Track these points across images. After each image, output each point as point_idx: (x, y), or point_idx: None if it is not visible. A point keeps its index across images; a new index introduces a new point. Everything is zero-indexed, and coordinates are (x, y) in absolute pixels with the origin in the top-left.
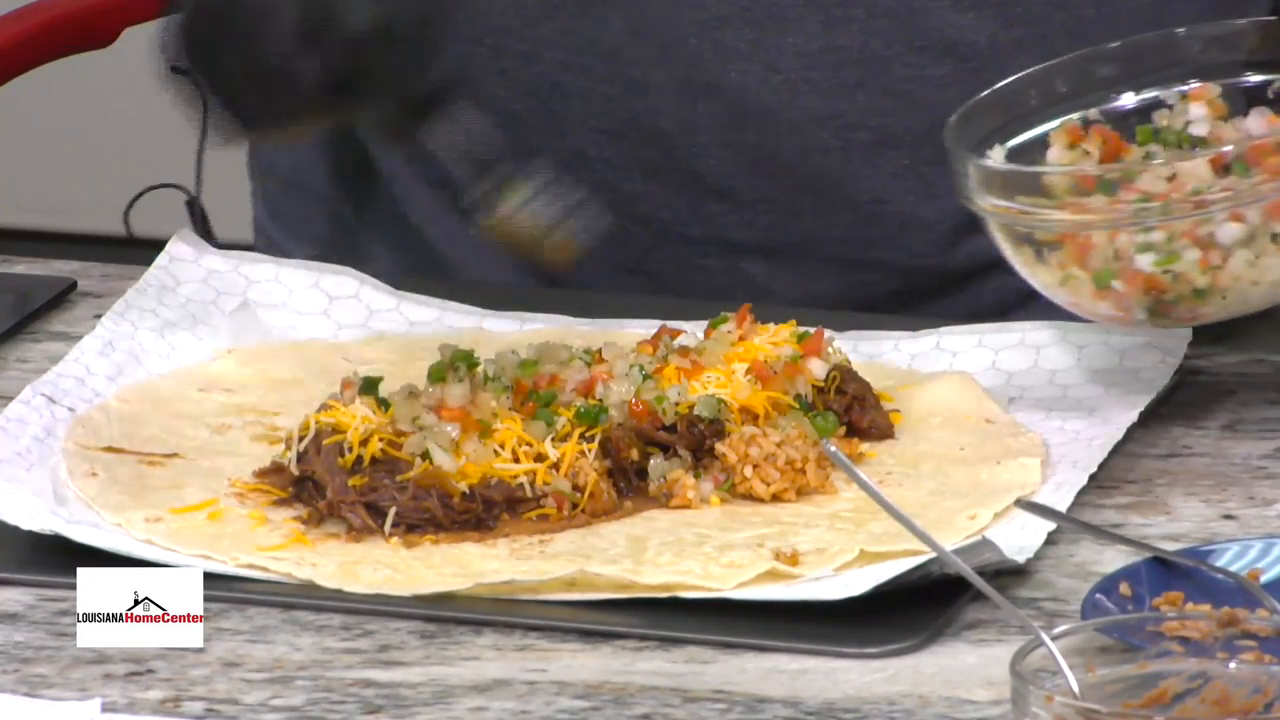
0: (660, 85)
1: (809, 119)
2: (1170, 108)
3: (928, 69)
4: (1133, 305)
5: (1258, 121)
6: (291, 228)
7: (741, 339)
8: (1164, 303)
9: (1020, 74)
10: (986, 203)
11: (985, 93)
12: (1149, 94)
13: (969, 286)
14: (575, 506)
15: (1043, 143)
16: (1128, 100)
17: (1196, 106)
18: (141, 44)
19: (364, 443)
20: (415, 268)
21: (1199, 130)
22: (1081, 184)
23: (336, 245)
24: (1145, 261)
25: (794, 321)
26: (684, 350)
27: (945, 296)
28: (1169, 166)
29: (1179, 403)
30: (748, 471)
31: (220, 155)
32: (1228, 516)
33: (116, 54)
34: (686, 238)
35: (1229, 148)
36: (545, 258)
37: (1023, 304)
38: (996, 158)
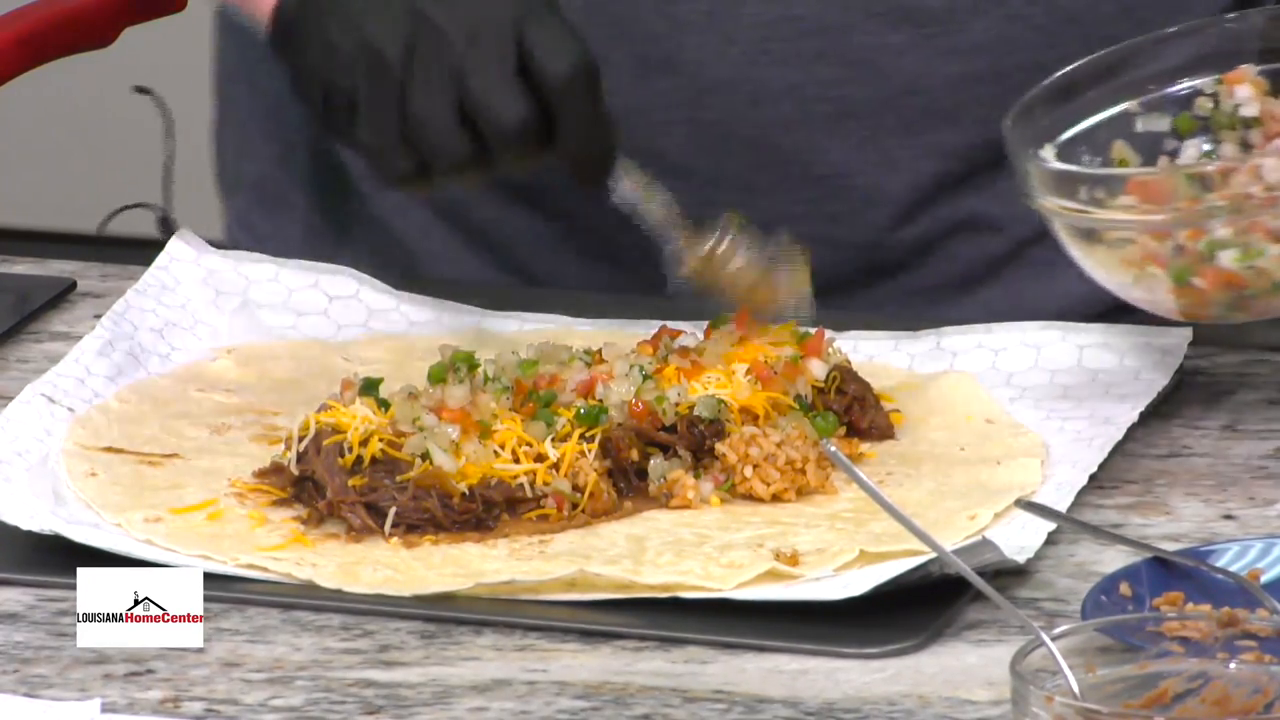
0: (617, 63)
1: (768, 92)
2: (1212, 95)
3: (886, 36)
4: (1212, 301)
5: None
6: (262, 240)
7: (743, 339)
8: (1244, 298)
9: (1069, 68)
10: (1051, 202)
11: (1036, 89)
12: (1185, 84)
13: (931, 259)
14: (575, 507)
15: (1096, 136)
16: (1170, 88)
17: (1241, 89)
18: (141, 42)
19: (364, 443)
20: (389, 268)
21: (1249, 111)
22: (1163, 186)
23: (309, 254)
24: (1227, 258)
25: (794, 322)
26: (684, 351)
27: (910, 269)
28: (1245, 160)
29: (1179, 403)
30: (748, 472)
31: (191, 169)
32: (1228, 516)
33: (117, 53)
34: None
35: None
36: (750, 301)
37: (990, 275)
38: (1049, 155)
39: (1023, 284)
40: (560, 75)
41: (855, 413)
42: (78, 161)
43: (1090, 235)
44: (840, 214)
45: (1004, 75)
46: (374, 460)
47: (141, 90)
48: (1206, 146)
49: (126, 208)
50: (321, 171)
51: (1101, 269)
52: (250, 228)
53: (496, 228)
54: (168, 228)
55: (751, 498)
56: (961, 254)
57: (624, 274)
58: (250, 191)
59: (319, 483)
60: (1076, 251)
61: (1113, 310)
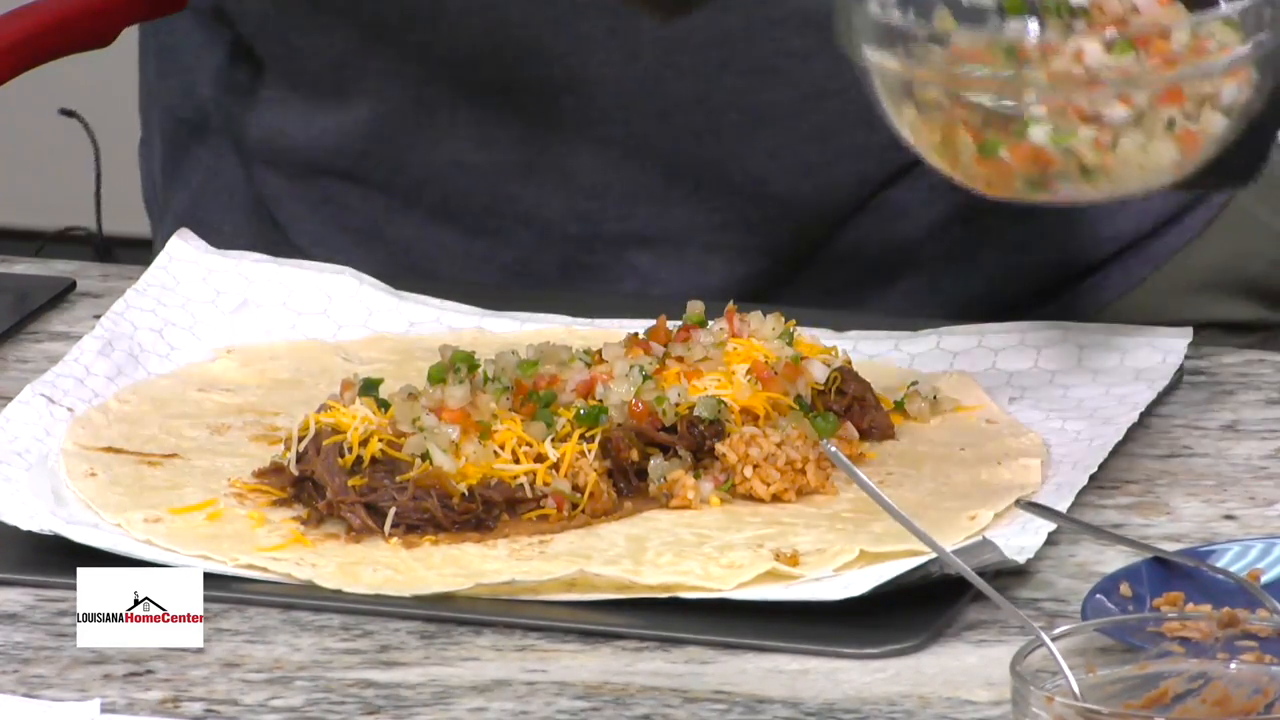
0: (522, 84)
1: (675, 104)
2: None
3: (790, 41)
4: (1015, 177)
5: (1148, 1)
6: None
7: (734, 336)
8: (1049, 178)
9: None
10: (873, 55)
11: None
12: None
13: (853, 263)
14: (575, 507)
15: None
16: None
17: None
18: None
19: (364, 443)
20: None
21: (1079, 1)
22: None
23: None
24: (1040, 134)
25: (794, 322)
26: (681, 358)
27: (831, 265)
28: (1068, 40)
29: (1179, 403)
30: (748, 472)
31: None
32: (1228, 517)
33: (117, 53)
34: (567, 235)
35: (1112, 32)
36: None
37: (908, 264)
38: (875, 7)
39: (943, 270)
40: None
41: (855, 413)
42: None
43: (905, 94)
44: (759, 223)
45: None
46: (374, 460)
47: (67, 113)
48: (1033, 29)
49: (59, 234)
50: (247, 201)
51: (911, 131)
52: None
53: (418, 246)
54: (105, 252)
55: (751, 498)
56: (884, 260)
57: (545, 285)
58: (177, 221)
59: (319, 483)
60: (890, 110)
61: (1032, 297)
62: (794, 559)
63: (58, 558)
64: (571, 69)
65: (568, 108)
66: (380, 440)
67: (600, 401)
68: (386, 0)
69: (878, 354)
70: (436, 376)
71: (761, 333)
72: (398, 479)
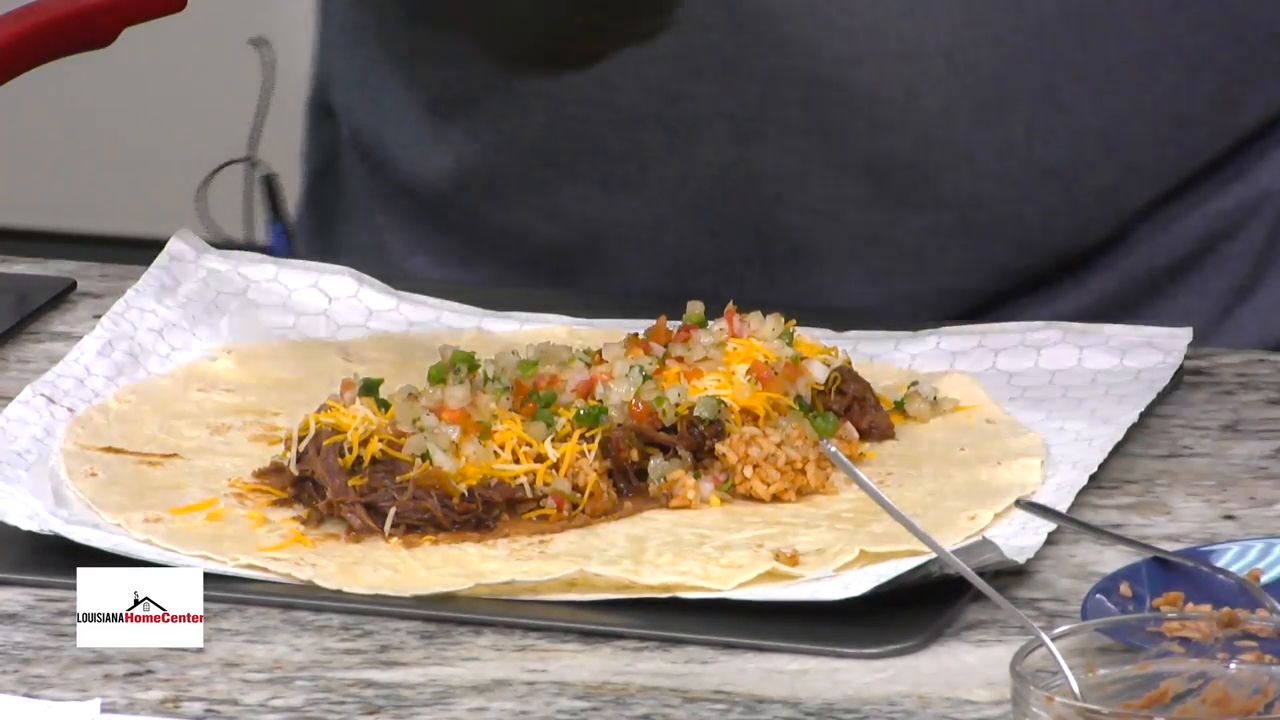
0: (583, 174)
1: (729, 229)
2: None
3: (845, 187)
4: None
5: None
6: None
7: (734, 336)
8: None
9: None
10: None
11: None
12: None
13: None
14: (575, 507)
15: None
16: None
17: None
18: (141, 42)
19: (364, 443)
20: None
21: None
22: None
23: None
24: None
25: (794, 322)
26: (681, 358)
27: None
28: None
29: (1179, 403)
30: (748, 472)
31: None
32: (1228, 517)
33: (116, 54)
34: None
35: None
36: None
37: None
38: None
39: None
40: None
41: (855, 413)
42: (107, 147)
43: None
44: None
45: (973, 227)
46: (374, 460)
47: (258, 42)
48: None
49: (226, 164)
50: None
51: None
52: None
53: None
54: (269, 186)
55: (751, 498)
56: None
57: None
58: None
59: (319, 483)
60: None
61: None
62: (794, 559)
63: (58, 558)
64: (627, 172)
65: (624, 208)
66: (380, 440)
67: (600, 401)
68: None
69: (878, 354)
70: (436, 377)
71: (761, 333)
72: (398, 479)
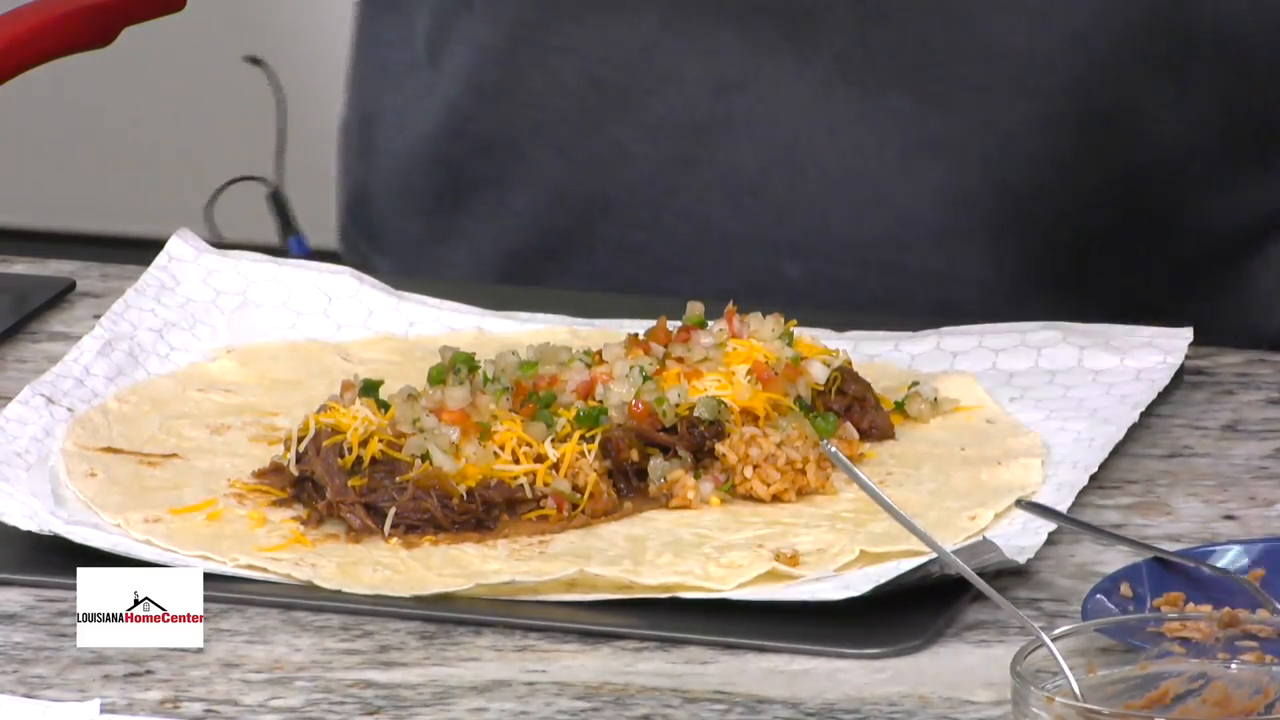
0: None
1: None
2: None
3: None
4: None
5: None
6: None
7: (734, 337)
8: None
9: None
10: None
11: None
12: None
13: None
14: (575, 507)
15: None
16: None
17: None
18: (144, 43)
19: (364, 443)
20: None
21: None
22: None
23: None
24: None
25: (794, 322)
26: (681, 359)
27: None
28: None
29: (1179, 403)
30: (748, 472)
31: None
32: (1228, 517)
33: (116, 53)
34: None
35: None
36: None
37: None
38: None
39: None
40: None
41: (855, 413)
42: (107, 148)
43: None
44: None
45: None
46: (374, 461)
47: (253, 60)
48: None
49: (236, 180)
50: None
51: None
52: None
53: (575, 233)
54: (279, 202)
55: (751, 498)
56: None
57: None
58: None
59: (319, 483)
60: None
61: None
62: (794, 559)
63: (58, 558)
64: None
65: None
66: (380, 441)
67: (600, 402)
68: None
69: (878, 354)
70: (436, 377)
71: (761, 333)
72: (398, 479)
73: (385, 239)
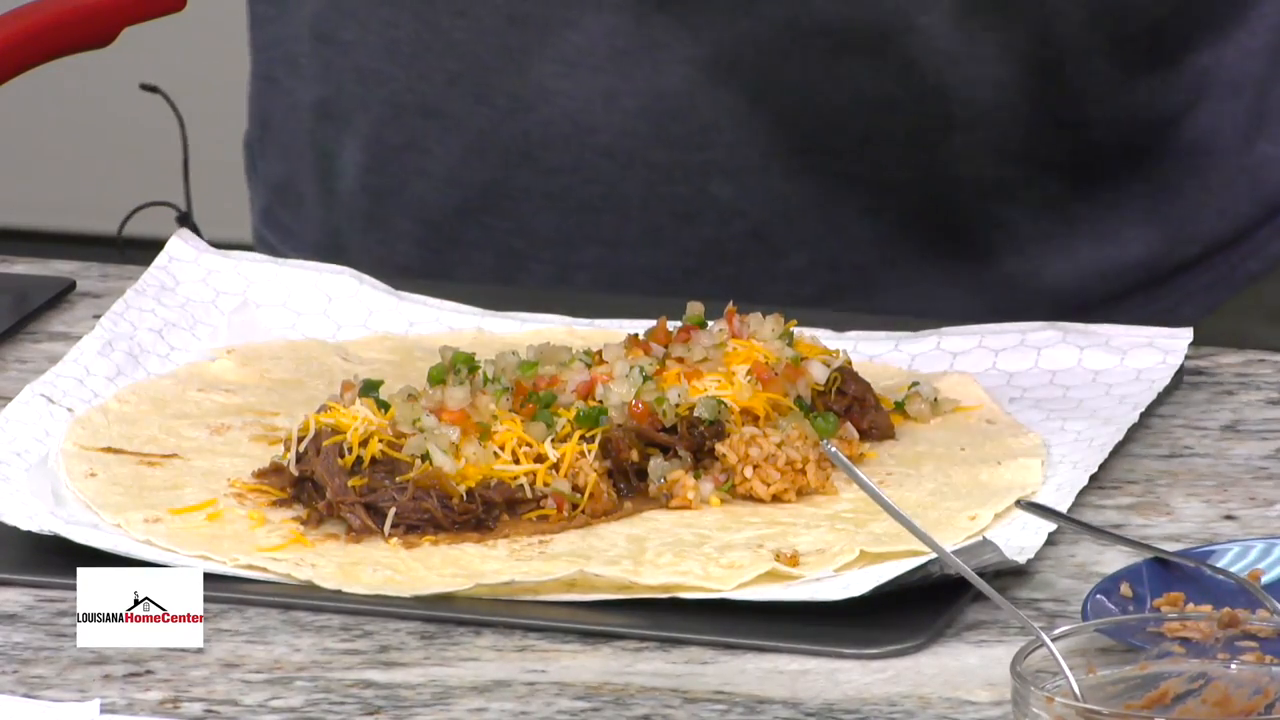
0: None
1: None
2: None
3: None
4: None
5: None
6: (287, 234)
7: (734, 337)
8: None
9: None
10: None
11: None
12: None
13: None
14: (575, 507)
15: None
16: None
17: None
18: (142, 44)
19: (364, 443)
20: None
21: None
22: None
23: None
24: None
25: (794, 322)
26: (681, 359)
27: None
28: None
29: (1179, 403)
30: (748, 472)
31: (207, 167)
32: (1229, 517)
33: (117, 53)
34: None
35: None
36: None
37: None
38: None
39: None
40: None
41: (855, 413)
42: (90, 161)
43: None
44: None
45: None
46: (374, 461)
47: (149, 88)
48: None
49: (145, 205)
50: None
51: None
52: (273, 224)
53: (502, 179)
54: (189, 225)
55: (751, 498)
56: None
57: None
58: (272, 190)
59: (319, 483)
60: None
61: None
62: (794, 559)
63: (58, 558)
64: None
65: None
66: (380, 441)
67: (600, 402)
68: None
69: (878, 354)
70: (436, 377)
71: (761, 333)
72: (398, 479)
73: (302, 238)
